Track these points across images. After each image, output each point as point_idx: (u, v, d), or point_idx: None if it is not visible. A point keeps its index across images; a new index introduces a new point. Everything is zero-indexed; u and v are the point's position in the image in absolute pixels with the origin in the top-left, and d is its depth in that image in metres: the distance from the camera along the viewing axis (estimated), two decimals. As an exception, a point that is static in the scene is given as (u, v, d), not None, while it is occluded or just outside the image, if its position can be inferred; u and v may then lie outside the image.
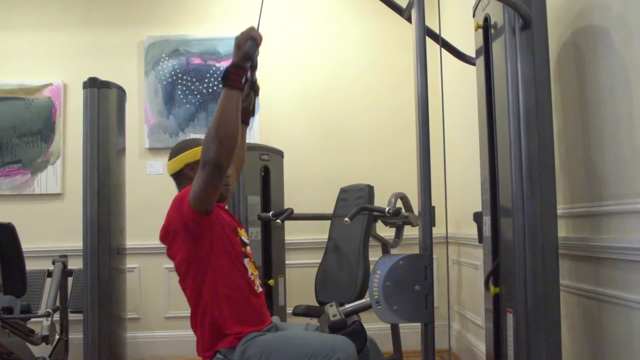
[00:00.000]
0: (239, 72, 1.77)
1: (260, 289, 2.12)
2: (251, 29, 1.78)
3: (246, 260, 2.09)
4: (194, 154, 2.10)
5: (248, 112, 2.37)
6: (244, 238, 2.17)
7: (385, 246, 3.44)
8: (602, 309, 1.97)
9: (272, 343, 1.91)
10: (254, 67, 2.18)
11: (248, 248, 2.16)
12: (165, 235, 2.04)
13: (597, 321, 2.02)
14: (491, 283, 2.10)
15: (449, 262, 4.11)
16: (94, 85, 3.34)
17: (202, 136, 4.30)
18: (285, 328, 2.17)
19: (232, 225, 2.10)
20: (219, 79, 1.77)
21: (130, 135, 3.97)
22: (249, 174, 3.55)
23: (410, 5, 1.96)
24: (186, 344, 4.15)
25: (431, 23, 2.09)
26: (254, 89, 2.33)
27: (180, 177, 2.17)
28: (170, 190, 4.44)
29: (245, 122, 2.37)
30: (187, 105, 4.36)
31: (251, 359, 1.88)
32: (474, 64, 2.37)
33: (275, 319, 2.18)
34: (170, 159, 2.19)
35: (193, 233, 1.94)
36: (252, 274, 2.09)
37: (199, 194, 1.84)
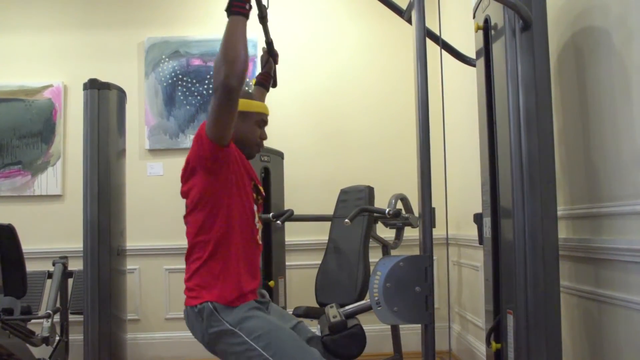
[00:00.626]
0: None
1: (260, 242, 2.13)
2: None
3: (255, 208, 2.10)
4: (246, 103, 2.10)
5: (268, 77, 2.48)
6: (260, 188, 2.18)
7: (386, 247, 3.44)
8: (602, 310, 1.97)
9: (271, 332, 1.87)
10: (264, 18, 2.20)
11: (260, 200, 2.17)
12: (184, 173, 2.03)
13: (597, 322, 2.02)
14: (492, 339, 2.09)
15: (449, 263, 4.11)
16: (94, 86, 3.34)
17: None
18: (276, 310, 2.14)
19: (249, 172, 2.10)
20: (224, 10, 1.78)
21: (130, 137, 3.97)
22: (249, 175, 3.55)
23: (410, 7, 1.96)
24: (186, 346, 4.15)
25: (431, 24, 2.09)
26: (271, 54, 2.42)
27: None
28: (170, 192, 4.45)
29: (265, 87, 2.49)
30: (188, 107, 4.36)
31: (248, 334, 1.85)
32: (474, 65, 2.38)
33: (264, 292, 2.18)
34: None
35: (210, 166, 1.92)
36: (257, 223, 2.10)
37: (213, 121, 1.85)
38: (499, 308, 2.05)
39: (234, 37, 1.74)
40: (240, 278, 1.96)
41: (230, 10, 1.77)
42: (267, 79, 2.51)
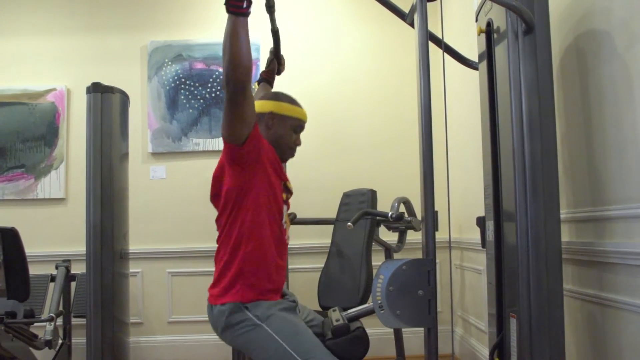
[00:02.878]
0: None
1: (288, 240, 2.15)
2: None
3: (285, 208, 2.12)
4: (285, 108, 2.15)
5: (273, 73, 2.56)
6: (289, 186, 2.19)
7: (388, 251, 3.44)
8: (606, 313, 1.97)
9: (298, 335, 1.90)
10: (271, 7, 2.18)
11: (289, 198, 2.19)
12: (217, 178, 2.06)
13: (600, 326, 2.01)
14: (496, 356, 2.08)
15: (452, 266, 4.11)
16: (97, 90, 3.34)
17: (205, 140, 4.32)
18: (304, 309, 2.18)
19: (279, 174, 2.11)
20: (224, 4, 1.72)
21: (133, 140, 3.98)
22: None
23: (412, 10, 1.96)
24: (189, 349, 4.16)
25: (434, 28, 2.09)
26: (277, 58, 2.45)
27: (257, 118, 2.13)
28: (173, 195, 4.45)
29: (270, 83, 2.56)
30: (190, 110, 4.36)
31: (274, 332, 1.88)
32: (476, 69, 2.38)
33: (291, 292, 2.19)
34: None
35: (234, 164, 1.95)
36: (285, 222, 2.11)
37: (225, 121, 1.85)
38: (502, 312, 2.05)
39: (235, 36, 1.73)
40: (270, 277, 1.98)
41: (228, 9, 1.73)
42: (272, 76, 2.54)
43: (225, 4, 1.73)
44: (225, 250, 1.99)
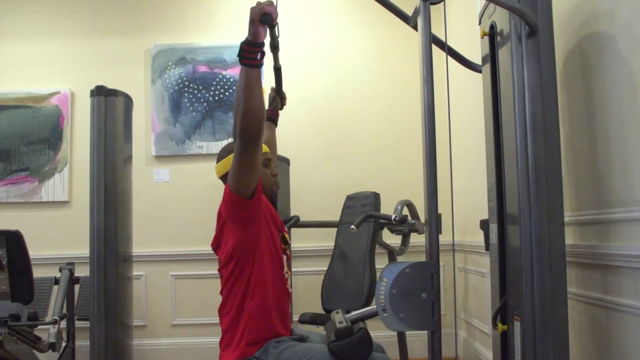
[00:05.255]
0: (253, 49, 1.74)
1: (290, 290, 2.16)
2: (266, 2, 1.75)
3: (284, 258, 2.12)
4: None
5: (276, 113, 2.52)
6: (286, 237, 2.20)
7: (392, 254, 3.44)
8: (610, 316, 1.96)
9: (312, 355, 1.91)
10: (275, 47, 2.19)
11: (288, 250, 2.18)
12: (217, 225, 2.06)
13: (605, 329, 2.01)
14: (499, 320, 2.08)
15: (455, 269, 4.11)
16: (101, 93, 3.35)
17: (209, 143, 4.33)
18: (307, 335, 2.19)
19: (276, 223, 2.13)
20: (237, 56, 1.75)
21: (136, 143, 3.98)
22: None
23: (416, 13, 1.97)
24: (192, 352, 4.16)
25: (437, 31, 2.09)
26: (280, 95, 2.43)
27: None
28: (176, 198, 4.46)
29: (274, 121, 2.52)
30: (194, 113, 4.37)
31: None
32: (480, 72, 2.37)
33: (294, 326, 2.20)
34: (217, 162, 2.20)
35: (239, 220, 1.94)
36: (286, 272, 2.12)
37: (235, 175, 1.85)
38: (506, 314, 2.05)
39: (248, 88, 1.73)
40: (274, 331, 2.00)
41: (241, 61, 1.74)
42: (276, 114, 2.52)
43: (238, 56, 1.74)
44: (232, 305, 2.00)
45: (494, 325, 2.10)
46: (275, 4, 1.80)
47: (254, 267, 1.98)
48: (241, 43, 1.74)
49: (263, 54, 1.75)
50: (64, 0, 4.48)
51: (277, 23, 1.87)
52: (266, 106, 2.10)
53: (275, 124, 2.54)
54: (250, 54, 1.73)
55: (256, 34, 1.73)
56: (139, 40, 4.46)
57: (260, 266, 1.99)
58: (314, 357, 1.89)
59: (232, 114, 1.80)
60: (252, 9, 1.74)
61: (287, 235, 2.23)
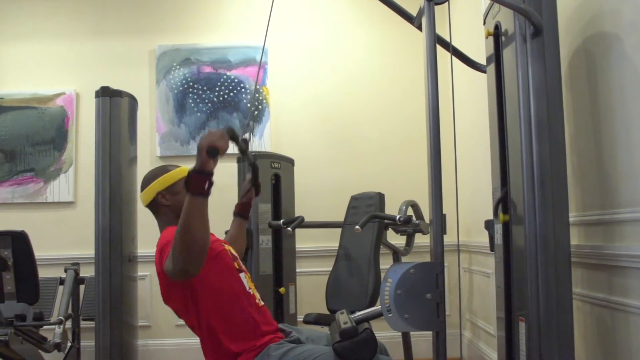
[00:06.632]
0: (201, 178, 1.68)
1: (261, 303, 2.11)
2: (217, 134, 1.71)
3: (242, 275, 2.08)
4: (164, 180, 2.11)
5: (248, 207, 2.40)
6: (232, 252, 2.15)
7: (396, 254, 3.43)
8: (615, 317, 1.96)
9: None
10: (255, 168, 2.17)
11: (238, 262, 2.14)
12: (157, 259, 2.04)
13: (610, 330, 2.00)
14: (500, 210, 2.07)
15: (460, 270, 4.10)
16: (106, 94, 3.36)
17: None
18: (303, 332, 2.17)
19: (219, 244, 2.08)
20: (184, 184, 1.72)
21: (141, 144, 3.99)
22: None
23: (420, 14, 1.96)
24: (197, 352, 4.13)
25: (441, 31, 2.09)
26: (255, 185, 2.33)
27: (155, 206, 2.16)
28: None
29: (244, 217, 2.41)
30: (198, 114, 4.38)
31: None
32: (484, 72, 2.37)
33: (284, 325, 2.18)
34: (142, 190, 2.16)
35: (179, 285, 1.94)
36: (249, 289, 2.08)
37: (172, 275, 1.79)
38: (511, 315, 2.04)
39: (193, 220, 1.67)
40: (256, 332, 1.99)
41: (188, 189, 1.68)
42: (247, 210, 2.41)
43: (185, 184, 1.70)
44: (208, 342, 2.00)
45: (495, 215, 2.09)
46: (225, 132, 1.74)
47: (212, 310, 1.96)
48: (189, 171, 1.70)
49: (211, 183, 1.70)
50: (69, 1, 4.49)
51: (243, 145, 1.84)
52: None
53: (246, 219, 2.43)
54: (198, 182, 1.68)
55: (204, 164, 1.69)
56: (143, 41, 4.47)
57: (218, 303, 1.96)
58: (319, 359, 1.88)
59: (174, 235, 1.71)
60: (201, 138, 1.70)
61: (231, 249, 2.16)
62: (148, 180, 2.15)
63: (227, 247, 2.14)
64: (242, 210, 2.40)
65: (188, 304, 1.98)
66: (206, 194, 1.70)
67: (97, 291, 3.25)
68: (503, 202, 2.07)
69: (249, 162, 2.28)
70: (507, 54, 2.04)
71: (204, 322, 1.97)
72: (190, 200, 1.68)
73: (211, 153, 1.69)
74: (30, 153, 4.34)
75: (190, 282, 1.92)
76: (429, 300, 1.71)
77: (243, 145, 2.01)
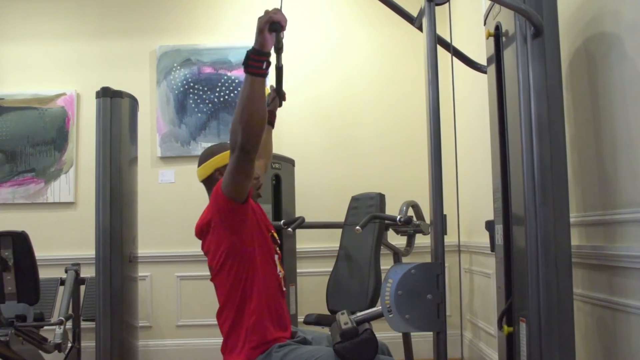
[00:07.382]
0: (259, 58, 1.70)
1: (284, 289, 2.15)
2: (274, 11, 1.72)
3: (276, 257, 2.12)
4: (223, 158, 2.10)
5: (273, 115, 2.45)
6: (275, 236, 2.20)
7: (397, 255, 3.43)
8: (616, 318, 1.96)
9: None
10: (279, 49, 2.13)
11: (277, 248, 2.18)
12: (202, 229, 2.04)
13: (611, 330, 2.00)
14: (504, 322, 2.08)
15: (461, 270, 4.10)
16: (106, 94, 3.36)
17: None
18: (308, 334, 2.19)
19: (265, 222, 2.13)
20: (242, 64, 1.72)
21: (142, 144, 4.00)
22: (260, 183, 3.57)
23: (421, 14, 1.96)
24: (197, 352, 4.16)
25: (442, 31, 2.09)
26: (279, 94, 2.38)
27: (211, 182, 2.14)
28: (181, 199, 4.46)
29: (271, 123, 2.45)
30: (199, 114, 4.38)
31: None
32: (485, 72, 2.37)
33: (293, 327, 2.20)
34: (199, 165, 2.17)
35: (231, 224, 1.93)
36: (280, 271, 2.12)
37: (231, 180, 1.83)
38: (511, 315, 2.04)
39: (251, 99, 1.70)
40: (274, 331, 2.00)
41: (246, 70, 1.71)
42: (273, 117, 2.46)
43: (244, 64, 1.71)
44: (231, 310, 2.00)
45: (500, 327, 2.10)
46: (280, 8, 1.78)
47: (249, 270, 1.97)
48: (247, 51, 1.71)
49: (269, 63, 1.73)
50: (70, 2, 4.50)
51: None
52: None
53: (272, 126, 2.50)
54: (256, 62, 1.70)
55: (263, 42, 1.71)
56: (144, 42, 4.47)
57: (255, 268, 1.98)
58: None
59: (232, 119, 1.75)
60: (260, 18, 1.71)
61: (276, 235, 2.22)
62: (207, 156, 2.16)
63: (275, 238, 2.19)
64: (269, 117, 2.42)
65: (232, 255, 1.97)
66: (264, 74, 1.72)
67: (98, 291, 3.25)
68: (508, 313, 2.06)
69: (277, 64, 2.29)
70: (508, 54, 2.04)
71: (238, 282, 1.97)
72: (248, 81, 1.70)
73: (274, 28, 1.70)
74: (31, 153, 4.34)
75: (242, 232, 1.94)
76: (429, 300, 1.71)
77: (281, 36, 2.01)
